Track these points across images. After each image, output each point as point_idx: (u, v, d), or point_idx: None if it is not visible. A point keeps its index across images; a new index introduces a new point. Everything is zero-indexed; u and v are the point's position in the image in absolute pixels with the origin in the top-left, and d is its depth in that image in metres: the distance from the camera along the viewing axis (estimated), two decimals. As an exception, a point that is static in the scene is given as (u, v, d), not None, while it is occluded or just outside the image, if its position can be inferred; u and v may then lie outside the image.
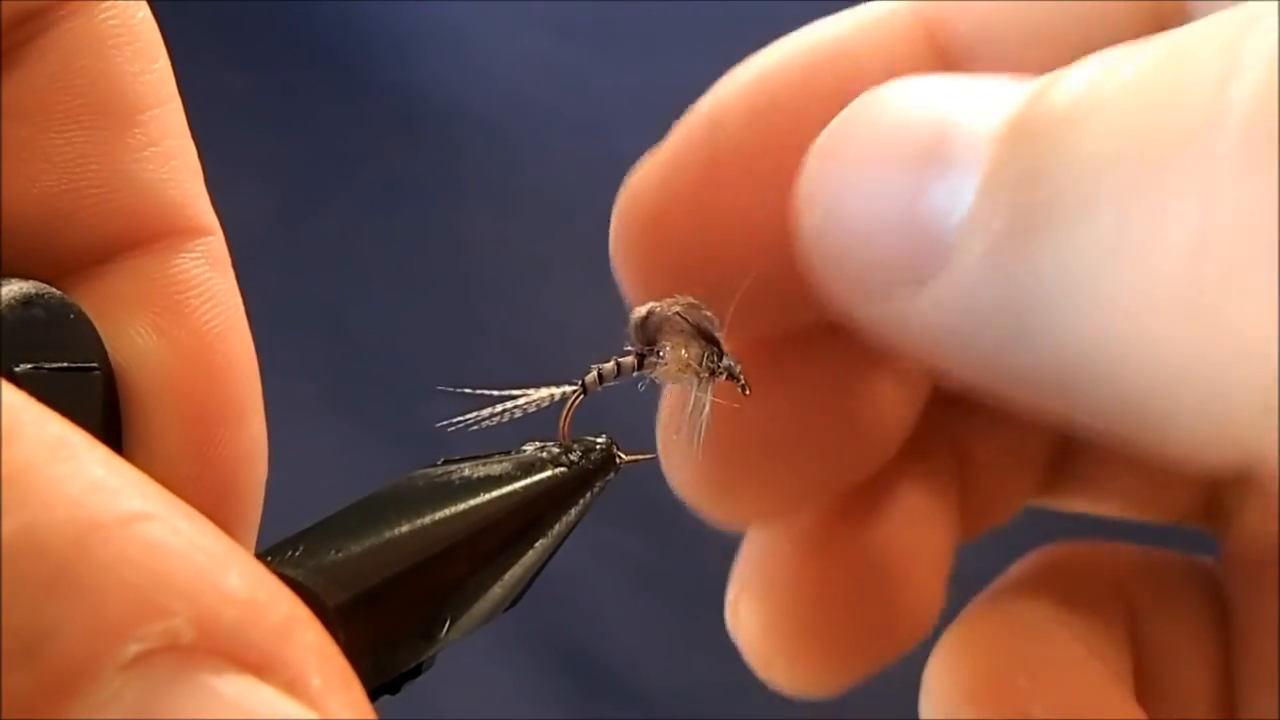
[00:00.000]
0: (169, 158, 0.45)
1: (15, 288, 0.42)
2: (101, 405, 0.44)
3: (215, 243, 0.47)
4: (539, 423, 0.48)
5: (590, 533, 1.12)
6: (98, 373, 0.44)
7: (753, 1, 1.10)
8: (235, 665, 0.27)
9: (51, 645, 0.26)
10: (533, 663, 1.12)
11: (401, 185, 1.10)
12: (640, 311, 0.49)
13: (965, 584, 1.06)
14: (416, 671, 0.45)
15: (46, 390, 0.40)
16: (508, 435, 0.47)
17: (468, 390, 0.47)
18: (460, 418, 0.47)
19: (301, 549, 0.40)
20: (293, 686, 0.28)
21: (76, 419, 0.39)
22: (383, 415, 1.10)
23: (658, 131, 1.09)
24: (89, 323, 0.44)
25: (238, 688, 0.27)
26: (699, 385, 0.48)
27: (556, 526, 0.44)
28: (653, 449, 0.49)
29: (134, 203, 0.44)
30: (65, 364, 0.43)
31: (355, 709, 0.29)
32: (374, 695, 0.45)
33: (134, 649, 0.26)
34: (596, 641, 1.13)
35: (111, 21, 0.45)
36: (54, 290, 0.43)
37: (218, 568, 0.28)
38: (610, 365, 0.49)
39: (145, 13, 0.46)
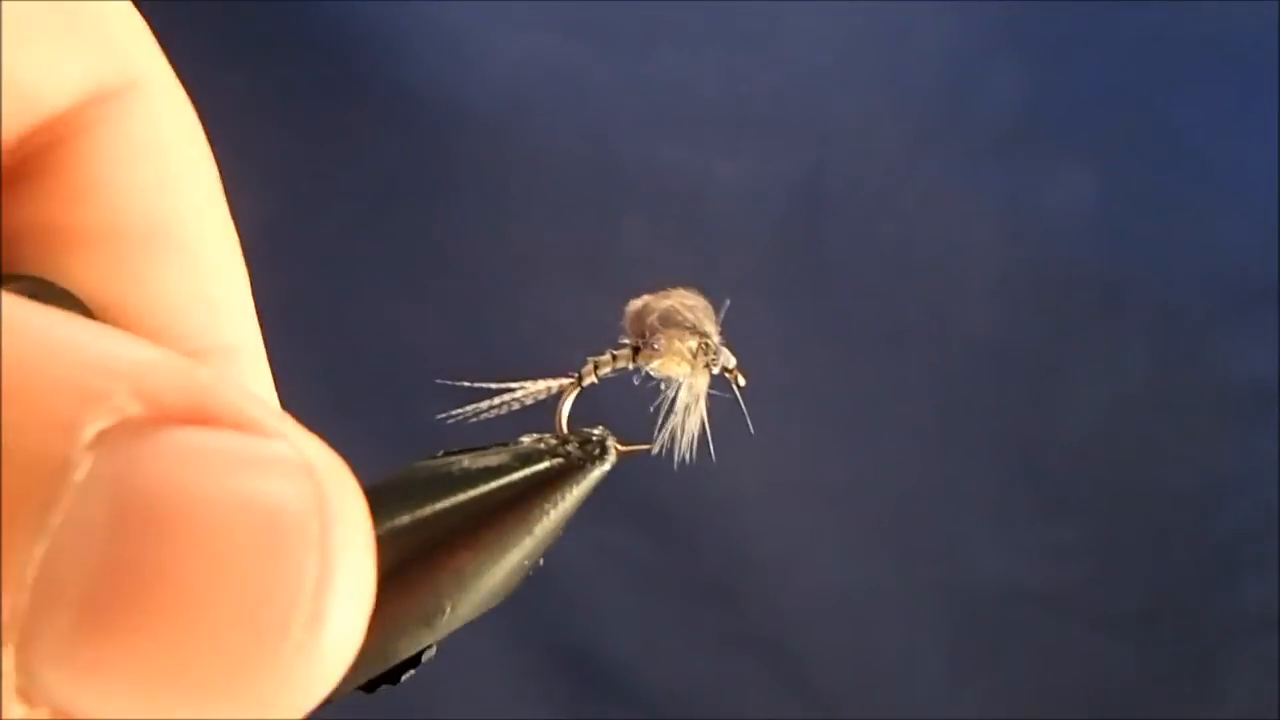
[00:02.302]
0: (199, 282, 0.44)
1: (18, 285, 0.42)
2: None
3: (249, 357, 0.47)
4: (537, 418, 0.49)
5: (590, 533, 1.13)
6: None
7: (752, 1, 1.10)
8: (189, 424, 0.29)
9: (13, 446, 0.27)
10: (533, 663, 1.12)
11: (401, 185, 1.10)
12: (635, 304, 0.49)
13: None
14: (416, 661, 0.45)
15: None
16: (505, 429, 0.47)
17: (466, 384, 0.47)
18: (459, 410, 0.47)
19: None
20: (245, 427, 0.29)
21: None
22: (382, 414, 1.10)
23: (658, 131, 1.10)
24: (92, 318, 0.44)
25: (199, 437, 0.28)
26: (694, 377, 0.48)
27: (554, 516, 0.44)
28: (649, 441, 0.49)
29: (157, 329, 0.43)
30: None
31: (297, 427, 0.30)
32: (374, 686, 0.45)
33: (91, 430, 0.28)
34: (596, 641, 1.13)
35: (145, 129, 0.43)
36: (57, 286, 0.43)
37: (131, 347, 0.29)
38: (606, 358, 0.49)
39: (185, 113, 0.44)
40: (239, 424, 0.29)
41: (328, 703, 0.35)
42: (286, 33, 1.07)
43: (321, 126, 1.09)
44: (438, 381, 0.48)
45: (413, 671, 0.45)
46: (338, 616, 0.29)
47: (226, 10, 1.04)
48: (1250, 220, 1.10)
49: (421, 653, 0.45)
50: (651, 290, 0.50)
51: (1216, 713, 1.11)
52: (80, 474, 0.28)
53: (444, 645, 0.46)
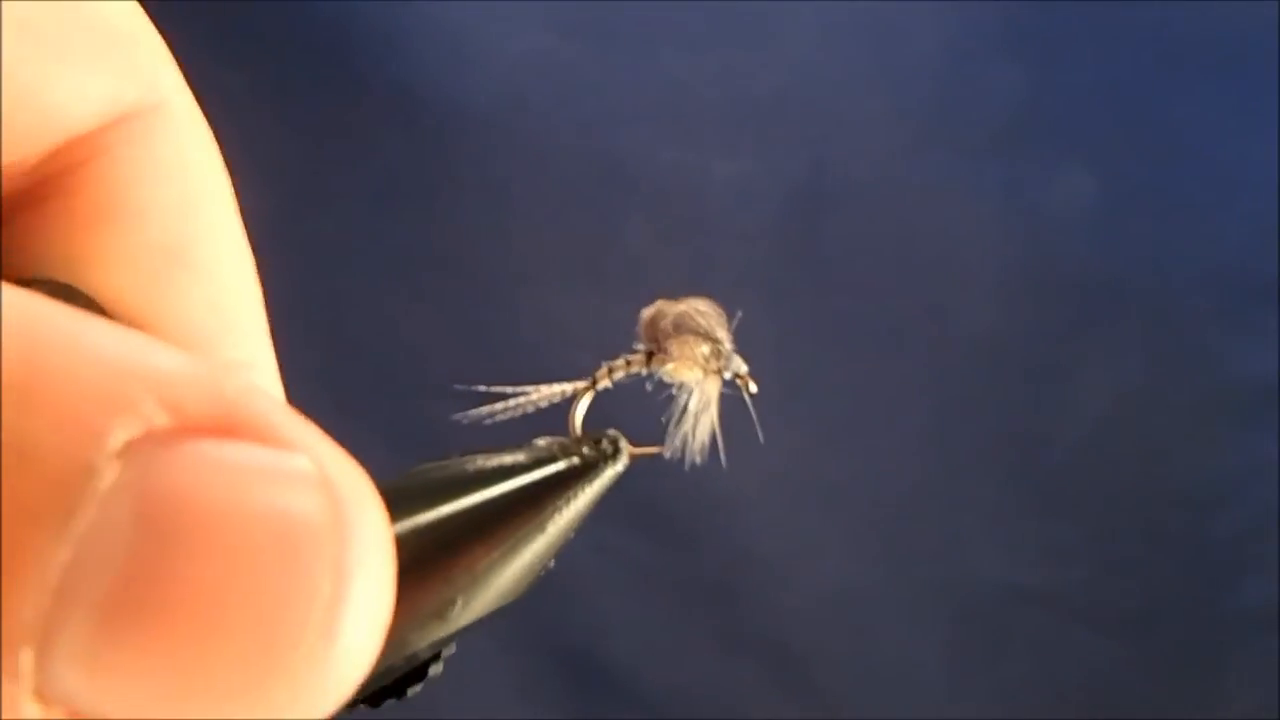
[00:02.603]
0: (215, 299, 0.45)
1: (45, 287, 0.43)
2: None
3: (263, 375, 0.47)
4: (550, 421, 0.49)
5: (590, 533, 1.12)
6: None
7: (752, 1, 1.10)
8: (213, 435, 0.29)
9: (40, 452, 0.28)
10: (533, 663, 1.13)
11: (401, 184, 1.10)
12: (649, 310, 0.50)
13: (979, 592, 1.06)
14: (422, 675, 0.46)
15: None
16: (519, 432, 0.48)
17: (483, 388, 0.48)
18: (475, 410, 0.48)
19: None
20: (268, 440, 0.30)
21: None
22: (382, 415, 1.10)
23: (658, 131, 1.10)
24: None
25: (223, 450, 0.29)
26: (705, 382, 0.49)
27: (566, 515, 0.45)
28: (660, 444, 0.50)
29: (174, 343, 0.44)
30: None
31: (321, 440, 0.31)
32: (379, 700, 0.45)
33: (119, 438, 0.28)
34: (596, 641, 1.14)
35: (168, 150, 0.44)
36: (82, 291, 0.44)
37: (160, 354, 0.30)
38: (620, 362, 0.50)
39: (204, 135, 0.45)
40: (263, 436, 0.30)
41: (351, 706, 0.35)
42: (286, 33, 1.06)
43: (321, 126, 1.08)
44: (456, 387, 0.48)
45: (419, 686, 0.46)
46: (350, 629, 0.30)
47: (226, 10, 1.04)
48: (1250, 220, 1.10)
49: (427, 665, 0.46)
50: (665, 297, 0.50)
51: (1216, 713, 1.11)
52: (105, 482, 0.28)
53: (449, 661, 0.46)
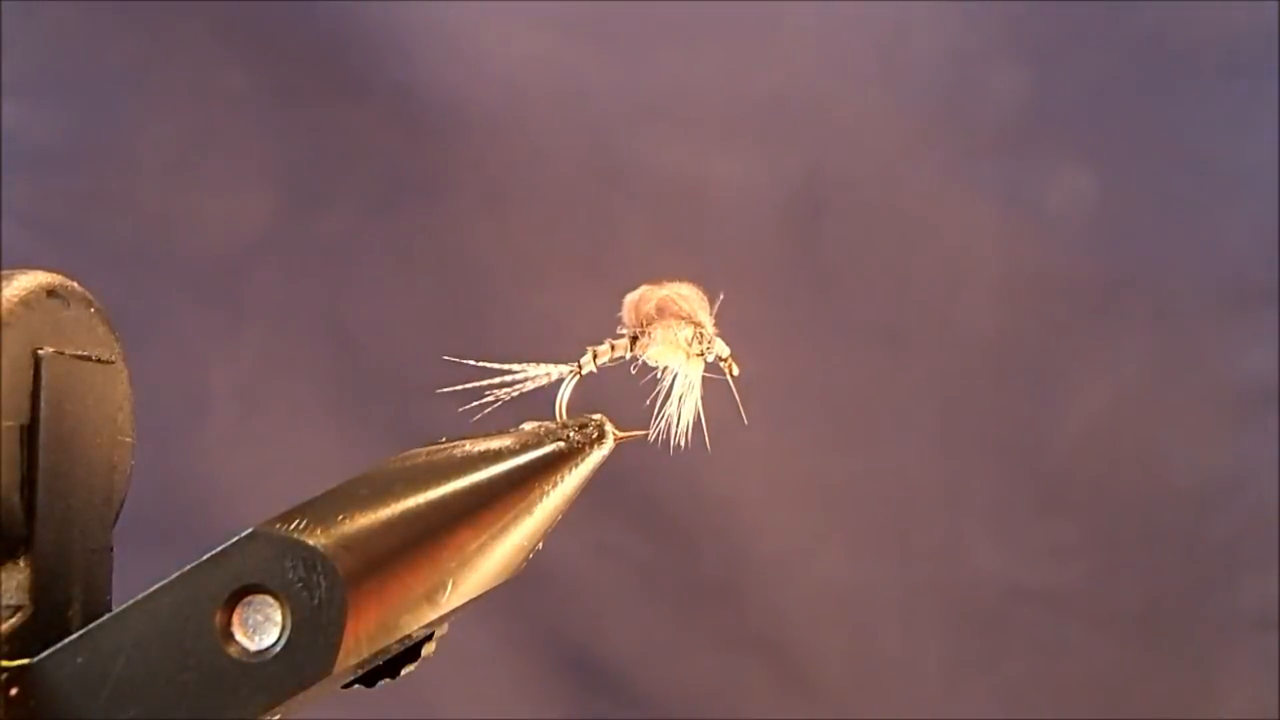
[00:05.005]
0: None
1: (42, 278, 0.44)
2: (128, 399, 0.46)
3: None
4: (537, 408, 0.49)
5: (590, 533, 1.12)
6: (118, 366, 0.46)
7: (752, 2, 1.11)
8: None
9: None
10: (533, 663, 1.12)
11: (401, 185, 1.10)
12: (633, 295, 0.50)
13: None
14: (415, 655, 0.46)
15: (72, 376, 0.42)
16: (506, 419, 0.48)
17: (471, 362, 0.48)
18: (464, 401, 0.48)
19: (306, 519, 0.41)
20: None
21: (105, 410, 0.43)
22: (383, 415, 1.10)
23: (658, 131, 1.10)
24: (107, 321, 0.46)
25: None
26: (689, 365, 0.49)
27: (554, 497, 0.45)
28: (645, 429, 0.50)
29: None
30: (85, 354, 0.45)
31: None
32: (374, 680, 0.46)
33: None
34: (596, 641, 1.13)
35: None
36: (75, 285, 0.45)
37: None
38: (604, 347, 0.50)
39: None
40: None
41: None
42: (288, 34, 1.07)
43: (323, 127, 1.09)
44: (444, 358, 0.49)
45: (412, 667, 0.46)
46: None
47: (227, 10, 1.04)
48: (1250, 220, 1.10)
49: (420, 646, 0.46)
50: (648, 282, 0.50)
51: (1216, 712, 1.11)
52: None
53: (445, 641, 0.46)
